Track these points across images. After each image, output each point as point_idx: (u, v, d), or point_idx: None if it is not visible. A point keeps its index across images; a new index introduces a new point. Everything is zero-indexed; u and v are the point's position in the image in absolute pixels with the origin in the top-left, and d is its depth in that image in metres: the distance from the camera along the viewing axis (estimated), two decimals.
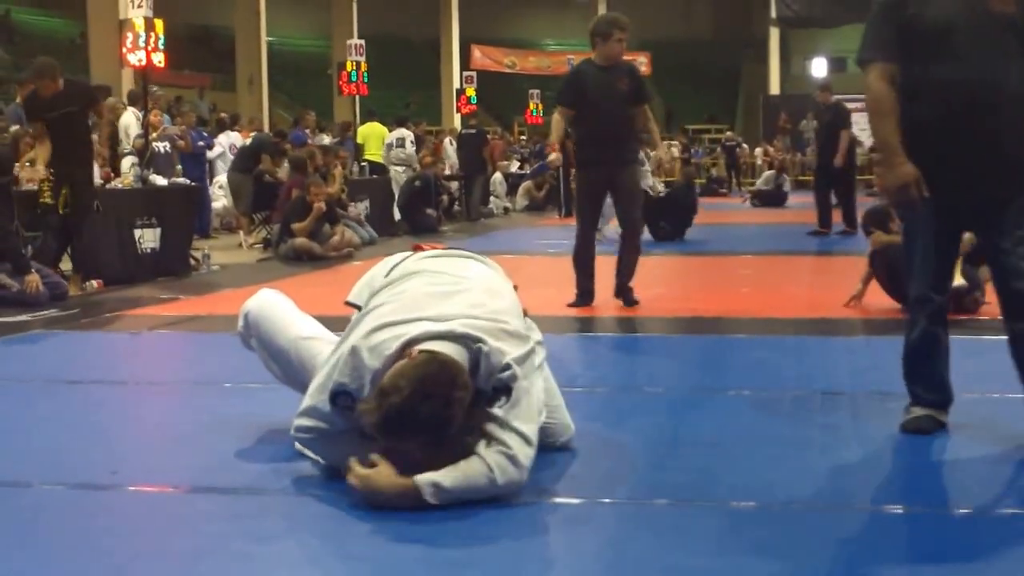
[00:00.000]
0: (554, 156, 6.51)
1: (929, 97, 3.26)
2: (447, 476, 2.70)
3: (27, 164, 8.23)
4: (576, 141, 6.26)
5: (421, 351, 2.71)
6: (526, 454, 2.76)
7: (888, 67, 3.31)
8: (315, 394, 2.91)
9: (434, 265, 3.13)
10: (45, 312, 6.45)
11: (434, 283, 3.01)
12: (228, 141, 13.48)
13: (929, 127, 3.26)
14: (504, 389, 2.76)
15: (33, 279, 6.69)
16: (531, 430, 2.79)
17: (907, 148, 3.28)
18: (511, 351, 2.80)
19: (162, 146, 10.95)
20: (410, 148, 15.06)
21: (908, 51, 3.28)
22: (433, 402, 2.63)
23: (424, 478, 2.68)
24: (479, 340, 2.75)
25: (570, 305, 6.28)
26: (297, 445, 3.14)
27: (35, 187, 7.55)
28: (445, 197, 14.76)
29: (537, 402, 2.91)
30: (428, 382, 2.64)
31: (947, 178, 3.25)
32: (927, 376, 3.47)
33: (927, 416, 3.43)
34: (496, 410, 2.75)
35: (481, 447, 2.74)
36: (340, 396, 2.81)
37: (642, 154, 13.69)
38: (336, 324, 3.45)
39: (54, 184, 7.28)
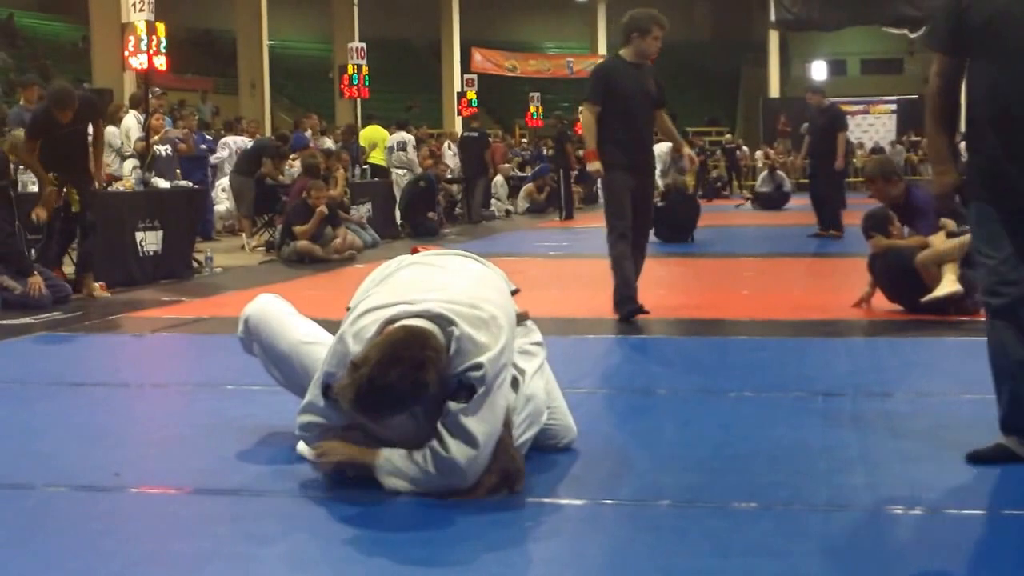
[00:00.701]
0: (598, 166, 5.79)
1: (983, 93, 3.06)
2: (399, 456, 2.79)
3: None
4: (603, 141, 5.81)
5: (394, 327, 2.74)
6: (467, 455, 2.73)
7: (947, 59, 3.15)
8: (312, 389, 2.94)
9: (426, 260, 3.16)
10: (48, 315, 6.46)
11: (420, 273, 3.05)
12: (235, 144, 13.50)
13: (984, 124, 3.06)
14: (468, 388, 2.74)
15: (36, 280, 6.72)
16: (482, 431, 2.74)
17: (968, 142, 3.13)
18: (484, 341, 2.77)
19: (163, 149, 10.97)
20: (412, 152, 15.07)
21: (964, 44, 3.11)
22: (403, 366, 2.62)
23: (382, 456, 2.80)
24: (452, 322, 2.76)
25: (626, 319, 5.79)
26: (299, 447, 3.16)
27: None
28: (441, 198, 14.75)
29: (530, 403, 2.94)
30: (397, 346, 2.65)
31: (1007, 178, 3.03)
32: (999, 392, 3.09)
33: (996, 446, 3.09)
34: (452, 405, 2.74)
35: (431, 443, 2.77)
36: (331, 388, 2.82)
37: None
38: (335, 327, 3.46)
39: (58, 188, 7.25)
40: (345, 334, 2.86)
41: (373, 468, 2.82)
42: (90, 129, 7.65)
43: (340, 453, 2.85)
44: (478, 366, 2.74)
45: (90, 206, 7.44)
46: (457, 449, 2.73)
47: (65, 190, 7.27)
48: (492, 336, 2.80)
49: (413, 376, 2.63)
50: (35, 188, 7.88)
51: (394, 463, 2.80)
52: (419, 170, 14.55)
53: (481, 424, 2.74)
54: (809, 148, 11.91)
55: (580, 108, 6.07)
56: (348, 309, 3.17)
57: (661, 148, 12.91)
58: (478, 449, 2.74)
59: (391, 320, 2.78)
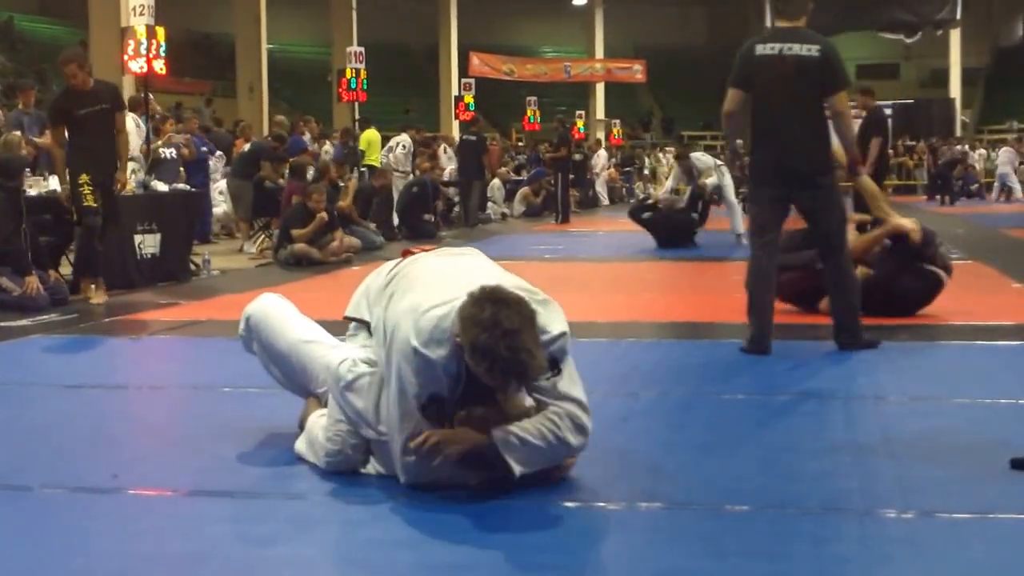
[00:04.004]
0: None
1: None
2: (520, 429, 2.76)
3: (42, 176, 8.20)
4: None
5: None
6: (587, 417, 2.85)
7: None
8: (396, 422, 2.82)
9: (435, 262, 3.10)
10: (45, 317, 6.47)
11: (448, 269, 2.99)
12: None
13: None
14: (554, 361, 2.76)
15: (32, 280, 6.72)
16: (584, 396, 2.86)
17: None
18: (549, 317, 2.80)
19: (168, 152, 10.99)
20: (400, 152, 15.08)
21: None
22: (506, 307, 2.61)
23: (500, 429, 2.74)
24: (524, 301, 2.75)
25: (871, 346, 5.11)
26: (296, 446, 3.18)
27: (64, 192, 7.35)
28: (440, 203, 14.79)
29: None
30: (490, 296, 2.64)
31: None
32: None
33: None
34: (545, 383, 2.78)
35: (546, 413, 2.79)
36: (430, 404, 2.77)
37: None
38: (334, 328, 3.48)
39: (93, 187, 7.04)
40: (414, 346, 2.71)
41: (495, 447, 2.74)
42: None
43: (459, 440, 2.75)
44: (560, 335, 2.79)
45: (108, 216, 7.17)
46: (581, 413, 2.83)
47: (85, 195, 6.99)
48: (554, 314, 2.84)
49: (516, 312, 2.63)
50: (33, 192, 7.87)
51: (520, 437, 2.75)
52: (408, 170, 14.62)
53: (581, 391, 2.86)
54: None
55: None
56: (348, 318, 3.17)
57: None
58: (589, 411, 2.86)
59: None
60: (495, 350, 2.59)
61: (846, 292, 5.10)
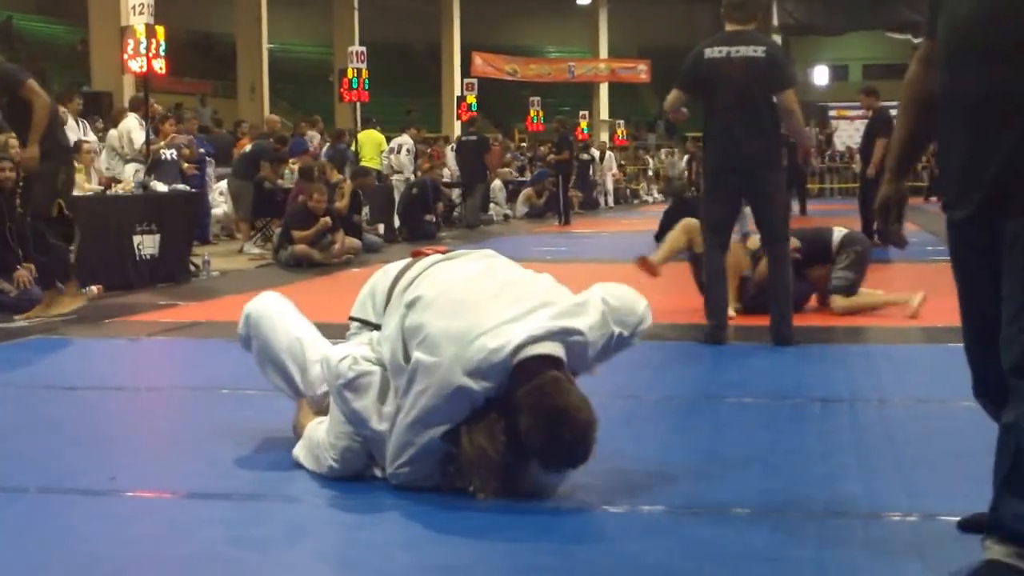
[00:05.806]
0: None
1: (943, 88, 2.44)
2: None
3: None
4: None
5: (528, 359, 2.71)
6: None
7: (928, 44, 2.58)
8: (414, 437, 2.79)
9: (461, 272, 3.00)
10: (42, 318, 6.44)
11: (482, 283, 2.92)
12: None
13: (942, 128, 2.45)
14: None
15: (21, 274, 6.68)
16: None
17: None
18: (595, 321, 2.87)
19: (169, 153, 10.97)
20: (404, 156, 15.06)
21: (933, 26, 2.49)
22: (571, 420, 2.68)
23: None
24: (576, 331, 2.80)
25: None
26: (294, 452, 3.15)
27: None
28: (440, 204, 14.77)
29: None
30: (552, 403, 2.68)
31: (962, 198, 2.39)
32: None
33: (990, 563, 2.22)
34: None
35: None
36: (450, 433, 2.75)
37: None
38: (332, 330, 3.46)
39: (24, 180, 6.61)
40: (456, 377, 2.68)
41: None
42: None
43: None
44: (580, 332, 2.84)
45: (32, 212, 6.46)
46: None
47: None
48: (595, 313, 2.89)
49: (588, 418, 2.70)
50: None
51: None
52: (410, 173, 14.60)
53: None
54: (859, 152, 11.77)
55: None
56: (354, 319, 3.12)
57: None
58: None
59: (520, 348, 2.70)
60: (575, 457, 2.73)
61: (786, 285, 5.29)
